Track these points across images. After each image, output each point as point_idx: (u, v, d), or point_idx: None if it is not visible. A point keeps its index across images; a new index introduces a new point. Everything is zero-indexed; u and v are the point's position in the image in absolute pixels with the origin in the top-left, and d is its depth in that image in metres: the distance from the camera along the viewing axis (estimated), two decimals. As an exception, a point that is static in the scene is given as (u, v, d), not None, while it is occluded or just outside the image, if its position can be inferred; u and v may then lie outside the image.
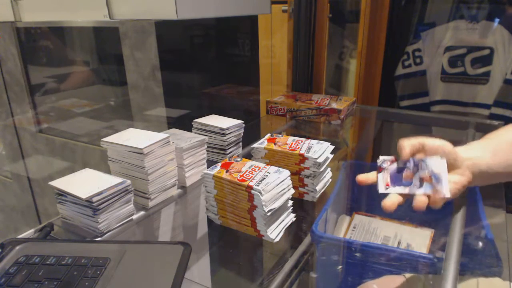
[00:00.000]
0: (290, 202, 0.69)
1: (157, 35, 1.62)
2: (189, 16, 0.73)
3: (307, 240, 0.68)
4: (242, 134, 0.95)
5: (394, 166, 0.57)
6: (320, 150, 0.76)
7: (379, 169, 0.58)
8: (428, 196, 0.51)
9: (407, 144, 0.57)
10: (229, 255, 0.70)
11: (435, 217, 0.80)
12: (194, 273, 0.62)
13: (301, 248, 0.66)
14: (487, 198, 0.70)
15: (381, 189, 0.55)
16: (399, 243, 0.81)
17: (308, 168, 0.75)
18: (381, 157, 0.60)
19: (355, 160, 1.01)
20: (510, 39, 1.30)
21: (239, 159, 0.71)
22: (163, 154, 0.72)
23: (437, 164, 0.53)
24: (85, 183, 0.65)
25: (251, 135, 0.99)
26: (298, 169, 0.76)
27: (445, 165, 0.53)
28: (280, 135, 0.84)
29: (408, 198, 0.53)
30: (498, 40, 1.33)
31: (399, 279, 0.57)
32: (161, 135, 0.73)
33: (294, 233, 0.70)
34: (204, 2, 0.78)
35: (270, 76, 1.66)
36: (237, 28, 1.81)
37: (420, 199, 0.51)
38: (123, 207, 0.66)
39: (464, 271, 0.54)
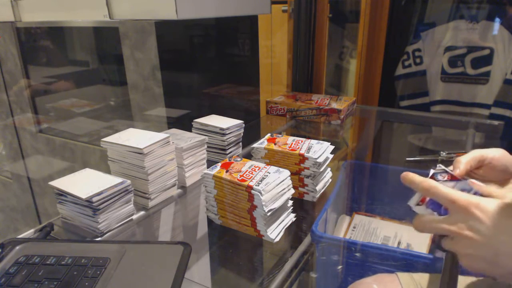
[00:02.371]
0: (290, 202, 0.69)
1: (157, 35, 1.62)
2: (189, 16, 0.73)
3: (307, 240, 0.67)
4: (242, 134, 0.95)
5: (450, 184, 0.47)
6: (320, 150, 0.76)
7: (431, 176, 0.48)
8: None
9: (464, 161, 0.49)
10: (229, 255, 0.70)
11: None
12: (194, 273, 0.62)
13: (301, 248, 0.66)
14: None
15: (412, 202, 0.47)
16: (399, 243, 0.81)
17: (308, 168, 0.75)
18: (442, 166, 0.49)
19: (355, 160, 1.01)
20: (510, 39, 1.30)
21: (239, 159, 0.71)
22: (163, 154, 0.72)
23: None
24: (85, 183, 0.65)
25: (251, 135, 0.99)
26: (298, 169, 0.76)
27: None
28: (280, 135, 0.84)
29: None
30: (498, 40, 1.33)
31: (391, 277, 0.58)
32: (161, 135, 0.73)
33: (294, 233, 0.70)
34: (204, 2, 0.78)
35: (270, 76, 1.66)
36: (237, 28, 1.81)
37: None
38: (123, 207, 0.66)
39: (463, 272, 0.54)
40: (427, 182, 0.45)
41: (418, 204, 0.47)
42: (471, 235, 0.40)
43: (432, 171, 0.49)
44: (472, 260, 0.41)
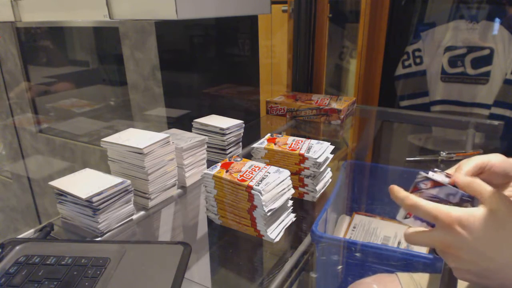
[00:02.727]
0: (290, 202, 0.69)
1: (157, 35, 1.62)
2: (189, 16, 0.73)
3: (307, 240, 0.67)
4: (242, 134, 0.95)
5: (433, 191, 0.45)
6: (320, 150, 0.76)
7: (413, 187, 0.46)
8: None
9: (465, 170, 0.46)
10: (229, 255, 0.70)
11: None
12: (194, 273, 0.62)
13: (301, 248, 0.66)
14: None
15: (400, 216, 0.46)
16: (399, 243, 0.81)
17: (308, 168, 0.75)
18: (423, 173, 0.47)
19: (355, 160, 1.01)
20: (510, 39, 1.30)
21: (239, 159, 0.71)
22: (163, 154, 0.72)
23: None
24: (85, 183, 0.65)
25: (251, 135, 0.99)
26: (298, 169, 0.76)
27: None
28: (280, 135, 0.84)
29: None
30: (498, 40, 1.33)
31: (391, 278, 0.58)
32: (161, 135, 0.73)
33: (294, 233, 0.70)
34: (204, 2, 0.78)
35: (270, 76, 1.66)
36: (237, 28, 1.81)
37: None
38: (123, 207, 0.66)
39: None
40: (409, 199, 0.44)
41: (406, 217, 0.46)
42: (456, 252, 0.40)
43: (414, 181, 0.47)
44: (461, 273, 0.41)
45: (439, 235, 0.41)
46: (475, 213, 0.40)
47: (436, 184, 0.45)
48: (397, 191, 0.45)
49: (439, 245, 0.42)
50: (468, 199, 0.43)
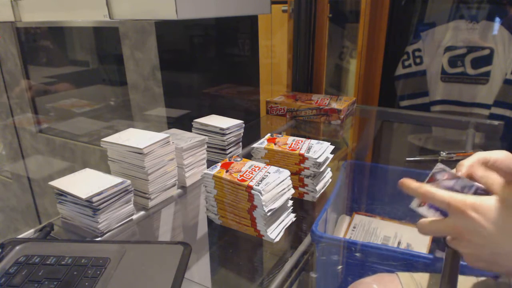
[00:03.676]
0: (290, 202, 0.69)
1: (157, 35, 1.62)
2: (189, 16, 0.73)
3: (307, 240, 0.67)
4: (242, 134, 0.95)
5: (450, 182, 0.46)
6: (320, 150, 0.76)
7: (430, 178, 0.48)
8: None
9: (467, 164, 0.48)
10: (229, 255, 0.70)
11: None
12: (194, 273, 0.62)
13: (301, 248, 0.66)
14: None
15: (414, 205, 0.48)
16: (399, 243, 0.81)
17: (308, 168, 0.75)
18: (440, 165, 0.48)
19: (355, 160, 1.01)
20: (510, 39, 1.30)
21: (239, 159, 0.71)
22: (163, 154, 0.72)
23: None
24: (85, 183, 0.65)
25: (251, 135, 0.99)
26: (298, 169, 0.76)
27: None
28: (280, 135, 0.84)
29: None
30: (498, 40, 1.33)
31: (392, 277, 0.58)
32: (161, 135, 0.73)
33: (294, 233, 0.70)
34: (204, 2, 0.78)
35: (270, 76, 1.66)
36: (237, 28, 1.81)
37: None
38: (123, 207, 0.66)
39: (463, 271, 0.54)
40: (423, 188, 0.46)
41: (420, 206, 0.48)
42: (469, 237, 0.42)
43: (432, 171, 0.49)
44: (473, 258, 0.43)
45: (452, 221, 0.43)
46: (488, 201, 0.41)
47: (453, 176, 0.47)
48: (409, 182, 0.47)
49: (452, 231, 0.43)
50: (483, 193, 0.45)
